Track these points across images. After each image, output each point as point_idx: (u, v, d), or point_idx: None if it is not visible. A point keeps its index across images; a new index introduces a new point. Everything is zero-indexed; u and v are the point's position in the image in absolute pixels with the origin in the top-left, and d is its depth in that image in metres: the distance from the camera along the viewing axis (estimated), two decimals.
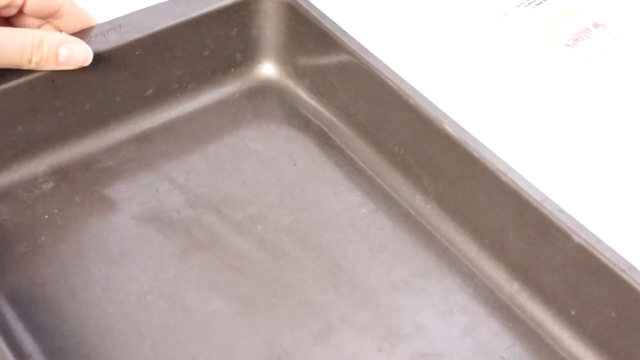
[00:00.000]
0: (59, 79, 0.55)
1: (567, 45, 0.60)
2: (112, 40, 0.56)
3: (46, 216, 0.53)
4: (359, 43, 0.57)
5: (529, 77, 0.60)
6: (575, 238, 0.46)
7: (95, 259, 0.51)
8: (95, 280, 0.50)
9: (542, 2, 0.64)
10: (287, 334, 0.48)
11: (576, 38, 0.60)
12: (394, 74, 0.55)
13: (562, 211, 0.47)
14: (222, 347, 0.48)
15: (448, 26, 0.66)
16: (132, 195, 0.55)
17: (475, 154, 0.51)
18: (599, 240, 0.46)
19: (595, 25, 0.61)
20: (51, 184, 0.55)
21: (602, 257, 0.46)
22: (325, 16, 0.59)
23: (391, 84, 0.55)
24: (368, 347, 0.48)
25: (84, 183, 0.55)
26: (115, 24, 0.57)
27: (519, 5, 0.64)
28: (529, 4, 0.64)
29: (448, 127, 0.52)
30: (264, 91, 0.62)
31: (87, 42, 0.55)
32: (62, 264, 0.51)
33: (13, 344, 0.45)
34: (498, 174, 0.50)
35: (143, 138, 0.58)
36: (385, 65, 0.56)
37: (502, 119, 0.59)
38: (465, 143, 0.51)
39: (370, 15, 0.68)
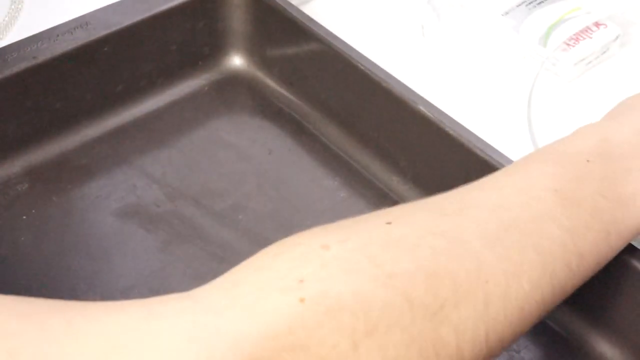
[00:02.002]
0: (29, 78, 0.54)
1: (567, 44, 0.60)
2: (80, 38, 0.56)
3: (24, 217, 0.53)
4: (327, 30, 0.57)
5: (529, 77, 0.60)
6: None
7: (78, 257, 0.51)
8: (80, 278, 0.50)
9: (543, 1, 0.64)
10: None
11: (577, 37, 0.61)
12: (365, 58, 0.56)
13: None
14: None
15: (448, 25, 0.66)
16: (110, 192, 0.55)
17: (451, 132, 0.52)
18: None
19: (597, 24, 0.61)
20: (26, 185, 0.55)
21: None
22: (291, 5, 0.59)
23: (363, 68, 0.55)
24: None
25: (60, 182, 0.55)
26: (82, 21, 0.57)
27: (519, 5, 0.64)
28: (530, 2, 0.64)
29: (422, 108, 0.53)
30: (233, 83, 0.62)
31: (54, 40, 0.55)
32: (45, 263, 0.50)
33: None
34: (475, 151, 0.50)
35: (116, 134, 0.58)
36: (356, 50, 0.56)
37: (502, 118, 0.59)
38: (440, 122, 0.52)
39: (361, 16, 0.68)
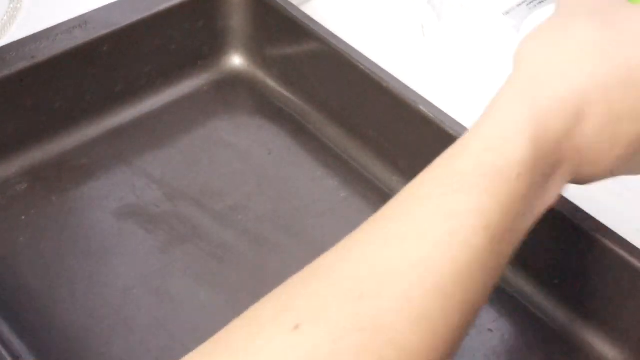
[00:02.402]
0: (27, 78, 0.54)
1: None
2: (79, 37, 0.56)
3: (23, 217, 0.53)
4: (327, 29, 0.57)
5: None
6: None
7: (77, 257, 0.51)
8: (79, 279, 0.50)
9: (543, 0, 0.64)
10: None
11: None
12: (365, 58, 0.55)
13: None
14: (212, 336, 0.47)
15: (448, 25, 0.66)
16: (109, 192, 0.54)
17: (451, 132, 0.51)
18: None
19: None
20: (25, 185, 0.54)
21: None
22: (291, 4, 0.59)
23: (363, 67, 0.55)
24: None
25: (59, 182, 0.55)
26: (81, 20, 0.57)
27: (520, 4, 0.64)
28: (530, 2, 0.64)
29: (422, 108, 0.53)
30: (233, 82, 0.62)
31: (53, 40, 0.55)
32: (44, 264, 0.50)
33: (2, 346, 0.44)
34: None
35: (115, 134, 0.58)
36: (356, 50, 0.56)
37: None
38: (441, 122, 0.52)
39: (361, 16, 0.68)
